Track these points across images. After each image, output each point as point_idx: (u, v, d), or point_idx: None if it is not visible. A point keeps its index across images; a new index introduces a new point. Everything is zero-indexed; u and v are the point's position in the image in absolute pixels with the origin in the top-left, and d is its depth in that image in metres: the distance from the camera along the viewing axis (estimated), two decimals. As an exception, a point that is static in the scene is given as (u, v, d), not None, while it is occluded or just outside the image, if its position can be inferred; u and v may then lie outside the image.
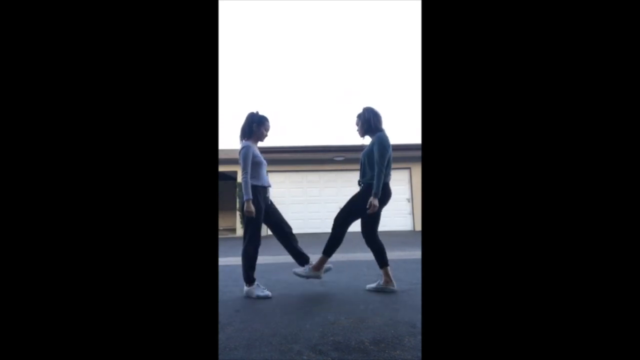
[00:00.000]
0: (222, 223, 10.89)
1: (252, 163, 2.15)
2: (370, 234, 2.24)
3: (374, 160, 2.17)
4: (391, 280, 2.18)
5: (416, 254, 3.94)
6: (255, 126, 2.23)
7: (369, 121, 2.27)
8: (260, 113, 2.27)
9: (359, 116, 2.33)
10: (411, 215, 8.25)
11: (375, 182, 2.13)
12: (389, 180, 2.23)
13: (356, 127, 2.38)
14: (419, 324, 1.51)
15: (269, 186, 2.29)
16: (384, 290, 2.17)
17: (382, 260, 2.21)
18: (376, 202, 2.11)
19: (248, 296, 2.13)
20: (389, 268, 2.20)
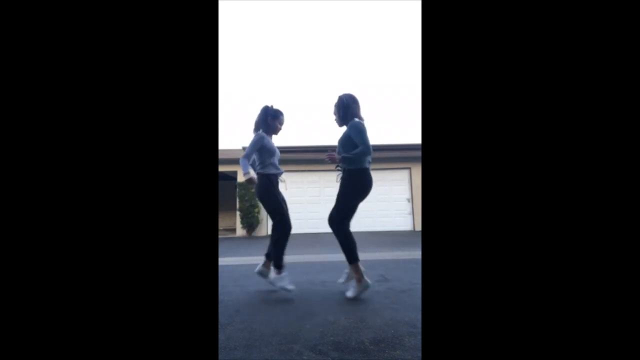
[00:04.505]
0: (222, 223, 10.89)
1: (264, 151, 2.18)
2: (338, 222, 2.03)
3: (349, 147, 2.05)
4: (362, 277, 1.97)
5: (416, 254, 3.93)
6: (270, 119, 2.26)
7: (348, 108, 2.14)
8: (275, 107, 2.29)
9: (337, 104, 2.20)
10: (411, 215, 8.25)
11: (357, 150, 1.97)
12: (366, 166, 2.07)
13: (334, 117, 2.24)
14: (419, 324, 1.51)
15: (282, 172, 2.32)
16: (363, 290, 1.98)
17: (351, 254, 1.98)
18: (336, 157, 2.01)
19: (272, 284, 2.16)
20: (359, 264, 1.99)
